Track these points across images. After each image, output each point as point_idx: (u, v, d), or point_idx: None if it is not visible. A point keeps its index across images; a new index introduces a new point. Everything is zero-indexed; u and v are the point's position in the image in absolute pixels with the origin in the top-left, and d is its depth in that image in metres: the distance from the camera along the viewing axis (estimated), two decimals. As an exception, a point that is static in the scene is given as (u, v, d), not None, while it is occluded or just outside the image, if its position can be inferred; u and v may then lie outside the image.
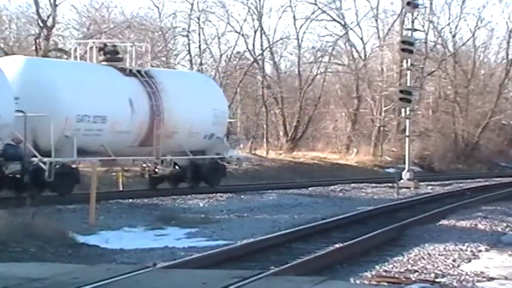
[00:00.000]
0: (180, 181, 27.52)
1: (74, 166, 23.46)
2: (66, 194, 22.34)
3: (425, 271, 11.91)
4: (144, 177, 27.29)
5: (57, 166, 22.02)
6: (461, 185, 35.35)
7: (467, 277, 11.41)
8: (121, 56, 26.49)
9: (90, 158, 24.58)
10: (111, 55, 26.07)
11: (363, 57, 54.55)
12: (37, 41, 36.44)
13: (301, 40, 53.28)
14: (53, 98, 22.35)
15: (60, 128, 22.25)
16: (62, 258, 12.81)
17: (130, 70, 25.78)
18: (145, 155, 25.85)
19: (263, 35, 50.71)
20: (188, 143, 26.65)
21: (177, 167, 27.02)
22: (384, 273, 11.72)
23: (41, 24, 37.26)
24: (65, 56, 37.17)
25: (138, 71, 26.02)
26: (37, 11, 37.56)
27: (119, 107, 24.50)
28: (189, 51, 47.71)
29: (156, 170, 26.65)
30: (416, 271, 11.90)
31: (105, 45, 26.57)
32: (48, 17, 37.66)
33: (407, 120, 36.60)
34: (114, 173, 28.48)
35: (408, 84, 36.89)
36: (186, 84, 27.86)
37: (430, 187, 33.72)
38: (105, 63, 25.76)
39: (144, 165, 26.92)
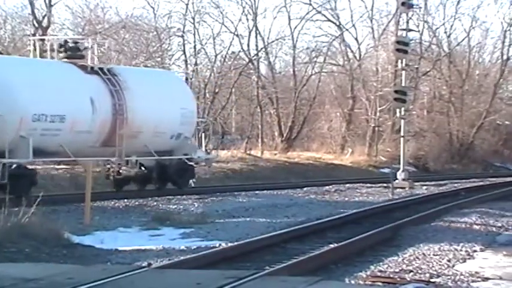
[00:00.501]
0: (147, 182, 26.66)
1: (30, 167, 22.80)
2: (22, 195, 20.12)
3: (420, 271, 11.92)
4: (109, 178, 26.10)
5: (12, 167, 21.29)
6: (456, 185, 35.40)
7: (462, 277, 11.42)
8: (83, 53, 25.35)
9: (47, 158, 24.35)
10: (72, 52, 24.93)
11: (358, 58, 54.61)
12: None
13: (296, 40, 53.40)
14: (7, 97, 21.41)
15: (14, 128, 21.40)
16: (57, 258, 12.81)
17: (92, 67, 24.76)
18: (108, 156, 24.86)
19: (258, 36, 50.79)
20: (154, 143, 25.66)
21: (143, 168, 26.16)
22: (379, 274, 11.73)
23: (36, 25, 37.23)
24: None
25: (101, 69, 24.95)
26: (32, 11, 37.58)
27: (79, 105, 23.49)
28: (184, 51, 47.72)
29: (121, 171, 25.74)
30: (411, 271, 11.91)
31: (66, 41, 25.60)
32: (44, 17, 37.67)
33: (402, 121, 36.64)
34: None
35: (403, 84, 36.93)
36: (152, 82, 26.93)
37: (425, 187, 33.76)
38: (66, 60, 24.66)
39: (108, 166, 25.83)
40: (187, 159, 26.86)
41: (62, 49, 25.02)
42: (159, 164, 26.15)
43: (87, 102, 23.71)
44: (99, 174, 26.98)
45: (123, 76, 25.42)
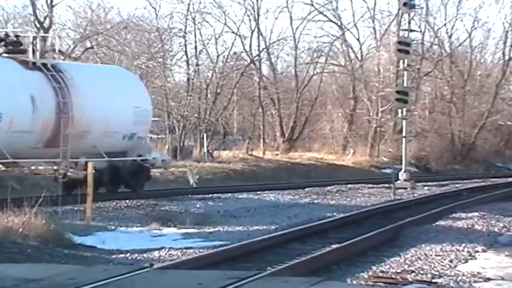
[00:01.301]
0: (99, 186, 23.94)
1: None
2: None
3: (422, 272, 11.91)
4: (57, 181, 23.98)
5: None
6: (457, 185, 35.38)
7: (464, 278, 11.41)
8: (24, 48, 23.78)
9: None
10: (13, 46, 23.41)
11: (360, 58, 54.61)
12: (34, 41, 36.33)
13: (298, 41, 53.42)
14: None
15: None
16: (58, 259, 12.80)
17: (34, 63, 23.08)
18: (53, 157, 23.13)
19: (260, 36, 50.80)
20: (104, 143, 24.06)
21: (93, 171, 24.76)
22: (381, 274, 11.72)
23: (38, 25, 37.23)
24: (62, 57, 37.18)
25: (44, 64, 23.23)
26: (34, 11, 37.57)
27: (18, 103, 21.81)
28: (185, 52, 47.74)
29: (68, 173, 23.73)
30: (413, 272, 11.90)
31: (7, 35, 24.25)
32: (45, 17, 37.67)
33: (404, 121, 36.62)
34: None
35: (405, 84, 36.91)
36: (102, 79, 25.26)
37: (426, 188, 33.75)
38: (5, 55, 23.17)
39: (55, 168, 23.65)
40: (141, 160, 25.28)
41: (2, 43, 23.60)
42: (111, 166, 24.28)
43: (27, 100, 22.11)
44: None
45: (69, 72, 23.78)
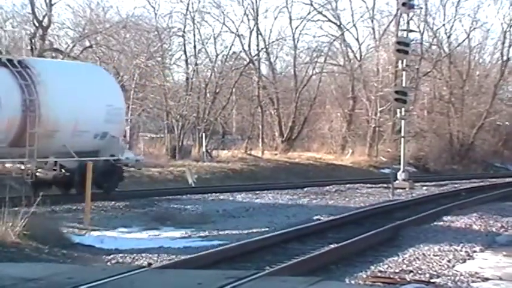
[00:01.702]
0: (70, 186, 23.72)
1: None
2: None
3: (420, 271, 11.93)
4: (26, 182, 22.69)
5: None
6: (456, 185, 35.41)
7: (462, 277, 11.43)
8: None
9: None
10: None
11: (359, 58, 54.62)
12: (32, 40, 36.37)
13: (297, 41, 53.40)
14: None
15: None
16: (56, 258, 12.80)
17: None
18: (20, 157, 22.22)
19: (259, 36, 50.81)
20: (74, 143, 23.04)
21: (63, 171, 23.41)
22: (379, 274, 11.74)
23: (37, 24, 37.21)
24: (61, 56, 37.18)
25: (10, 60, 22.31)
26: (32, 10, 37.51)
27: None
28: (184, 51, 47.72)
29: (37, 174, 22.90)
30: (411, 271, 11.92)
31: None
32: (44, 16, 37.62)
33: (403, 121, 36.63)
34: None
35: (403, 84, 36.93)
36: (72, 76, 24.28)
37: (425, 188, 33.77)
38: None
39: (23, 168, 22.74)
40: (114, 160, 24.29)
41: None
42: (82, 166, 22.31)
43: None
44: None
45: (37, 69, 22.80)
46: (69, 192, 23.86)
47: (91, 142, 23.78)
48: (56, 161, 23.13)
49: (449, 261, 12.96)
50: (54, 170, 23.35)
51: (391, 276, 11.51)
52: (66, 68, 26.60)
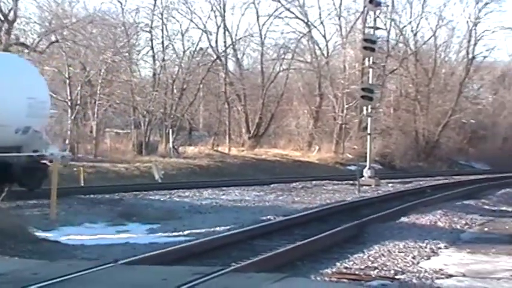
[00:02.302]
0: None
1: None
2: None
3: (385, 268, 12.00)
4: None
5: None
6: (421, 182, 35.65)
7: (426, 274, 11.51)
8: None
9: None
10: None
11: (326, 55, 54.80)
12: None
13: (264, 37, 53.48)
14: None
15: None
16: (22, 253, 12.71)
17: None
18: None
19: (226, 32, 50.81)
20: None
21: None
22: (344, 270, 11.79)
23: (2, 18, 36.88)
24: (26, 51, 36.88)
25: None
26: (-2, 4, 37.18)
27: None
28: (151, 47, 47.62)
29: None
30: (376, 268, 11.98)
31: None
32: (10, 10, 37.30)
33: (369, 118, 36.83)
34: (75, 169, 28.35)
35: (370, 82, 37.12)
36: None
37: (390, 185, 33.97)
38: None
39: None
40: (38, 156, 22.72)
41: None
42: (1, 162, 21.55)
43: None
44: (65, 169, 26.63)
45: None
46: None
47: (12, 137, 22.24)
48: None
49: (414, 257, 13.05)
50: None
51: (357, 272, 11.57)
52: None
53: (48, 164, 22.66)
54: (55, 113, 27.43)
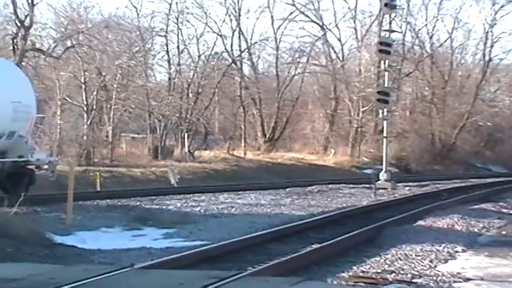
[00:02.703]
0: None
1: None
2: None
3: (402, 272, 11.95)
4: None
5: None
6: (438, 186, 35.51)
7: (443, 278, 11.46)
8: None
9: None
10: None
11: (341, 58, 54.73)
12: (14, 40, 36.21)
13: (279, 41, 53.53)
14: None
15: None
16: (38, 258, 12.75)
17: None
18: None
19: (241, 36, 50.84)
20: None
21: None
22: (361, 274, 11.75)
23: (19, 24, 37.04)
24: (43, 56, 37.02)
25: None
26: (15, 10, 37.32)
27: None
28: (167, 51, 47.74)
29: None
30: (393, 272, 11.94)
31: None
32: (26, 16, 37.44)
33: (385, 121, 36.72)
34: (91, 173, 28.42)
35: (386, 85, 37.01)
36: None
37: (407, 188, 33.86)
38: None
39: None
40: (23, 162, 21.81)
41: None
42: None
43: None
44: (81, 174, 26.73)
45: None
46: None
47: None
48: None
49: (431, 261, 12.99)
50: None
51: (373, 276, 11.53)
52: None
53: (35, 169, 22.29)
54: (42, 117, 26.64)
